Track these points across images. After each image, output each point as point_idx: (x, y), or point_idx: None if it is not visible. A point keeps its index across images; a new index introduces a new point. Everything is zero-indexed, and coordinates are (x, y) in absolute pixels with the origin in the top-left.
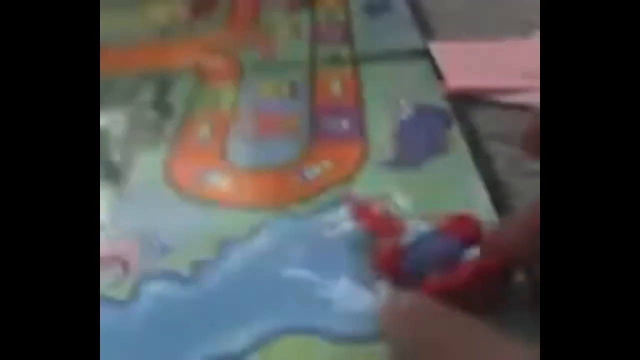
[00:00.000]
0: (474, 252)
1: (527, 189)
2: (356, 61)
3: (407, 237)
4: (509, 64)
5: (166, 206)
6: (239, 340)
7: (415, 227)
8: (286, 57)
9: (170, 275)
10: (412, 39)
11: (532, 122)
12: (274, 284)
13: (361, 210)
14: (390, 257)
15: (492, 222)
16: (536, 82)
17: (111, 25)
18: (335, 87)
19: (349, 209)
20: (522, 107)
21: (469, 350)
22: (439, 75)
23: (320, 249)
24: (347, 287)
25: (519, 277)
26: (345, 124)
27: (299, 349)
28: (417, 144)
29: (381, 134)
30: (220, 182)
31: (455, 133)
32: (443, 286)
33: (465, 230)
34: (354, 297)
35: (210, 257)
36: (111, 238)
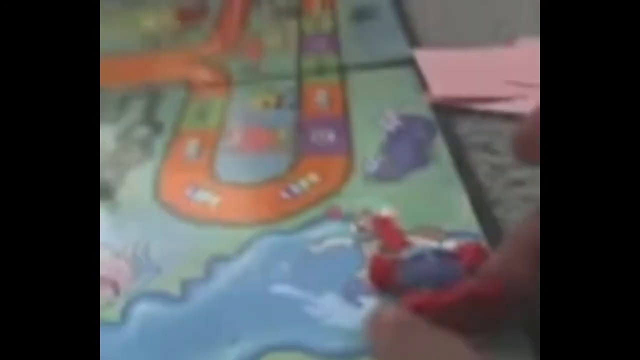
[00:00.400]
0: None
1: (510, 198)
2: (343, 71)
3: (408, 252)
4: (493, 72)
5: (156, 224)
6: (230, 357)
7: (417, 242)
8: (274, 67)
9: (161, 296)
10: (399, 46)
11: (521, 129)
12: (261, 302)
13: (381, 223)
14: (386, 270)
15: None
16: (520, 91)
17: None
18: (322, 98)
19: (370, 223)
20: (506, 116)
21: None
22: (423, 84)
23: (307, 265)
24: (333, 303)
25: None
26: (331, 136)
27: None
28: (402, 155)
29: (367, 145)
30: (209, 199)
31: (439, 143)
32: (429, 301)
33: (472, 257)
34: (340, 312)
35: (199, 276)
36: (101, 258)
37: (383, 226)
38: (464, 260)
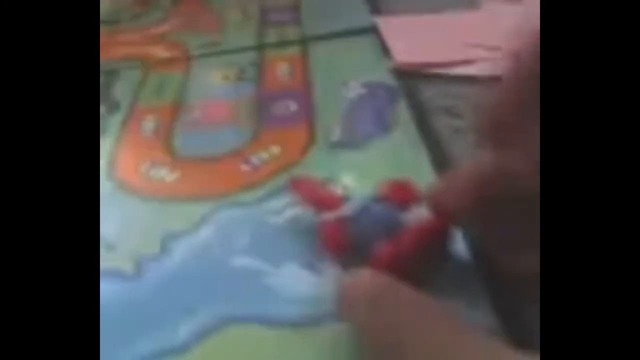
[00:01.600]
0: (413, 216)
1: None
2: (304, 42)
3: (348, 209)
4: (455, 36)
5: (109, 203)
6: (181, 333)
7: (355, 198)
8: (234, 42)
9: (114, 274)
10: (360, 15)
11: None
12: (219, 275)
13: (297, 183)
14: (335, 231)
15: (431, 183)
16: (483, 53)
17: None
18: (283, 71)
19: (288, 187)
20: (470, 79)
21: (433, 334)
22: (386, 51)
23: (266, 236)
24: (293, 272)
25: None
26: (293, 106)
27: (243, 338)
28: (364, 122)
29: (330, 114)
30: (165, 175)
31: (402, 109)
32: (391, 256)
33: (401, 194)
34: (300, 281)
35: (155, 252)
36: None
37: (298, 185)
38: (397, 200)
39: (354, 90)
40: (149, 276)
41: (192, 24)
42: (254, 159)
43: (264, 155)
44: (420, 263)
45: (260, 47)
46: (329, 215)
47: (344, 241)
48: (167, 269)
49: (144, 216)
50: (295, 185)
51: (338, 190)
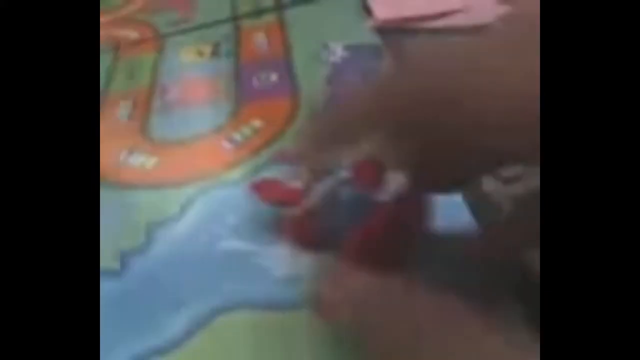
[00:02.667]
0: (384, 195)
1: None
2: (280, 8)
3: (313, 200)
4: None
5: None
6: (177, 325)
7: (320, 185)
8: (206, 17)
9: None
10: None
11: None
12: (208, 261)
13: (257, 186)
14: (300, 227)
15: None
16: (463, 3)
17: None
18: (260, 41)
19: (248, 191)
20: (453, 30)
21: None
22: (367, 12)
23: (254, 215)
24: (285, 252)
25: None
26: (273, 77)
27: (240, 324)
28: (350, 85)
29: (312, 82)
30: (145, 161)
31: (389, 66)
32: (362, 240)
33: (370, 173)
34: (293, 260)
35: (139, 244)
36: None
37: (259, 188)
38: (364, 180)
39: (337, 53)
40: (135, 269)
41: (159, 2)
42: (236, 136)
43: (246, 130)
44: (394, 243)
45: (234, 19)
46: (293, 211)
47: (310, 236)
48: (154, 260)
49: (124, 207)
50: (255, 188)
51: (297, 184)
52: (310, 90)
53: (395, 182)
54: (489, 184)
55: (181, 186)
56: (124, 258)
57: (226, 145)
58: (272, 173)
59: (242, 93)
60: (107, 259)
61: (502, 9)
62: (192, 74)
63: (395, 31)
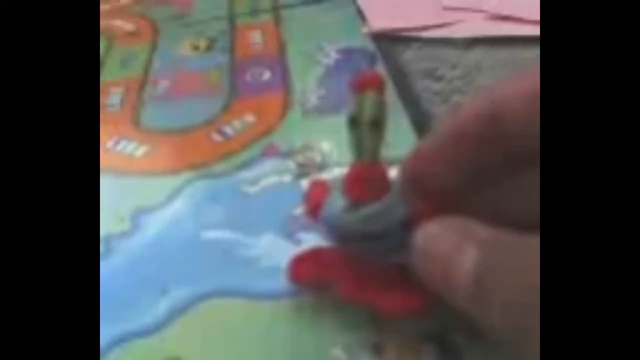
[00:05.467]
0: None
1: None
2: (277, 9)
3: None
4: (429, 0)
5: None
6: (158, 311)
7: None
8: (204, 13)
9: None
10: None
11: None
12: (193, 249)
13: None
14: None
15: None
16: (457, 15)
17: None
18: (256, 38)
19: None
20: (446, 41)
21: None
22: (362, 18)
23: (242, 207)
24: (271, 243)
25: None
26: (267, 74)
27: (221, 312)
28: (341, 87)
29: (305, 81)
30: (134, 150)
31: (381, 72)
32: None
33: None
34: (278, 252)
35: (125, 229)
36: None
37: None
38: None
39: (330, 56)
40: (120, 254)
41: None
42: (227, 129)
43: (238, 124)
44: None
45: (231, 17)
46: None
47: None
48: (139, 245)
49: (112, 193)
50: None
51: (316, 157)
52: (303, 89)
53: None
54: None
55: (169, 175)
56: (109, 242)
57: (216, 137)
58: (260, 168)
59: (235, 88)
60: None
61: (492, 24)
62: (186, 66)
63: (389, 38)
